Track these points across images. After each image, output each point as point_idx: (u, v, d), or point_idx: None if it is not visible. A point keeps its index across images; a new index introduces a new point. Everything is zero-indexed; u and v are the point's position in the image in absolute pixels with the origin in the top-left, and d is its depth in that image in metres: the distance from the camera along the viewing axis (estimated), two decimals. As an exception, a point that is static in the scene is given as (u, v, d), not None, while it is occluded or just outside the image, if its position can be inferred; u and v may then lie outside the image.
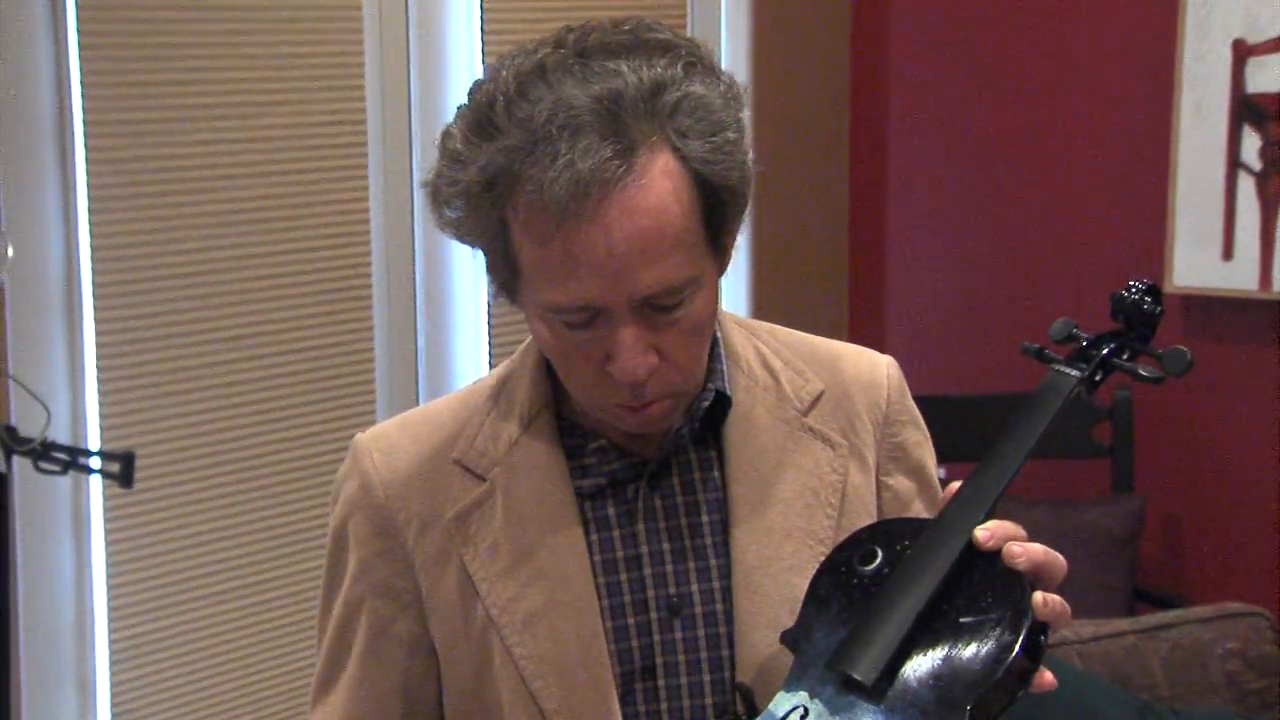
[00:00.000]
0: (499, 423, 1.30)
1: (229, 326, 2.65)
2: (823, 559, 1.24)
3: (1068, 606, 1.13)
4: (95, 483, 2.51)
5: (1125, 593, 2.93)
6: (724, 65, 1.21)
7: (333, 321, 2.80)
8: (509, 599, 1.25)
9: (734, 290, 3.33)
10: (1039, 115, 3.24)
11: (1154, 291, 1.32)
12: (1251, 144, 2.86)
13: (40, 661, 2.50)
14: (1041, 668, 1.13)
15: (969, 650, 1.11)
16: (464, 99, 1.18)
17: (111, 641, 2.57)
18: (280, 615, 2.76)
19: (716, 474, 1.30)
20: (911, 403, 1.38)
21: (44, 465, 2.07)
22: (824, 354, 1.37)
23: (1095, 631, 2.42)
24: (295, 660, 2.77)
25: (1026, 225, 3.29)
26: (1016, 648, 1.09)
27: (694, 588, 1.27)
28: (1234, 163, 2.89)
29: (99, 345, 2.52)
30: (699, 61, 1.16)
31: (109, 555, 2.56)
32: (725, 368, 1.31)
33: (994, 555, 1.14)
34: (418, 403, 2.86)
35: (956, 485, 1.21)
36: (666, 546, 1.28)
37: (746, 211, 1.21)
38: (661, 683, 1.26)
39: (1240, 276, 2.89)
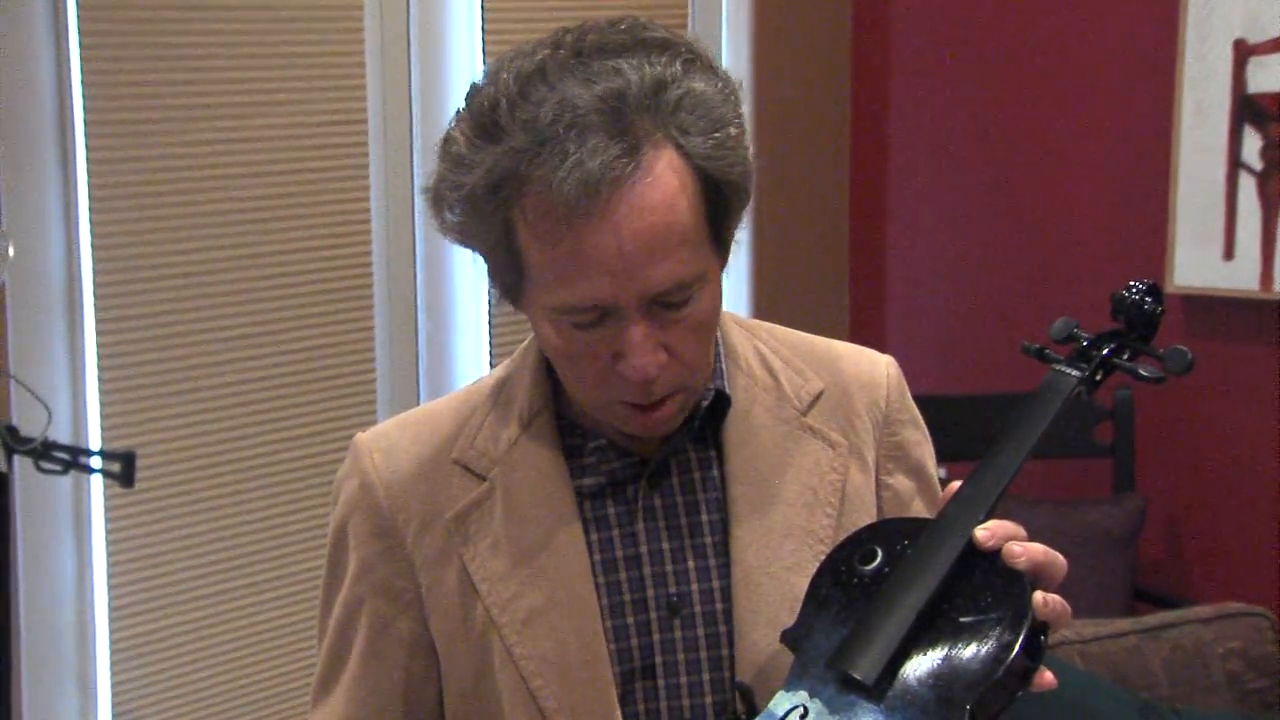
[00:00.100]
0: (499, 422, 1.30)
1: (230, 326, 2.65)
2: (822, 558, 1.23)
3: (1068, 606, 1.13)
4: (96, 482, 2.51)
5: (1126, 592, 2.93)
6: (724, 65, 1.22)
7: (333, 321, 2.80)
8: (509, 598, 1.25)
9: (734, 290, 3.33)
10: (1040, 115, 3.24)
11: (1154, 291, 1.32)
12: (1253, 144, 2.86)
13: (41, 661, 2.50)
14: (1042, 667, 1.13)
15: (969, 650, 1.11)
16: (463, 101, 1.18)
17: (112, 641, 2.57)
18: (281, 615, 2.76)
19: (716, 473, 1.30)
20: (911, 402, 1.38)
21: (45, 465, 2.07)
22: (823, 353, 1.37)
23: (1096, 631, 2.42)
24: (296, 660, 2.77)
25: (1027, 225, 3.29)
26: (1017, 647, 1.09)
27: (693, 587, 1.27)
28: (1235, 163, 2.89)
29: (100, 345, 2.52)
30: (697, 58, 1.17)
31: (110, 555, 2.56)
32: (725, 367, 1.31)
33: (994, 555, 1.14)
34: (418, 403, 2.86)
35: (956, 485, 1.21)
36: (666, 546, 1.28)
37: (748, 206, 1.21)
38: (661, 682, 1.26)
39: (1241, 276, 2.89)
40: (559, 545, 1.26)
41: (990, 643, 1.10)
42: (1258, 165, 2.86)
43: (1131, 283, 1.32)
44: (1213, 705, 2.39)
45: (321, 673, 1.35)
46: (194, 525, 2.64)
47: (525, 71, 1.14)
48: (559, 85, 1.12)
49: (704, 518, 1.29)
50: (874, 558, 1.19)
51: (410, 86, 2.85)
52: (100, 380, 2.52)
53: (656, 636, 1.26)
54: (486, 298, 2.91)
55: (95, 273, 2.51)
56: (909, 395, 1.38)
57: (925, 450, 1.38)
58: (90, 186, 2.49)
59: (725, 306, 1.29)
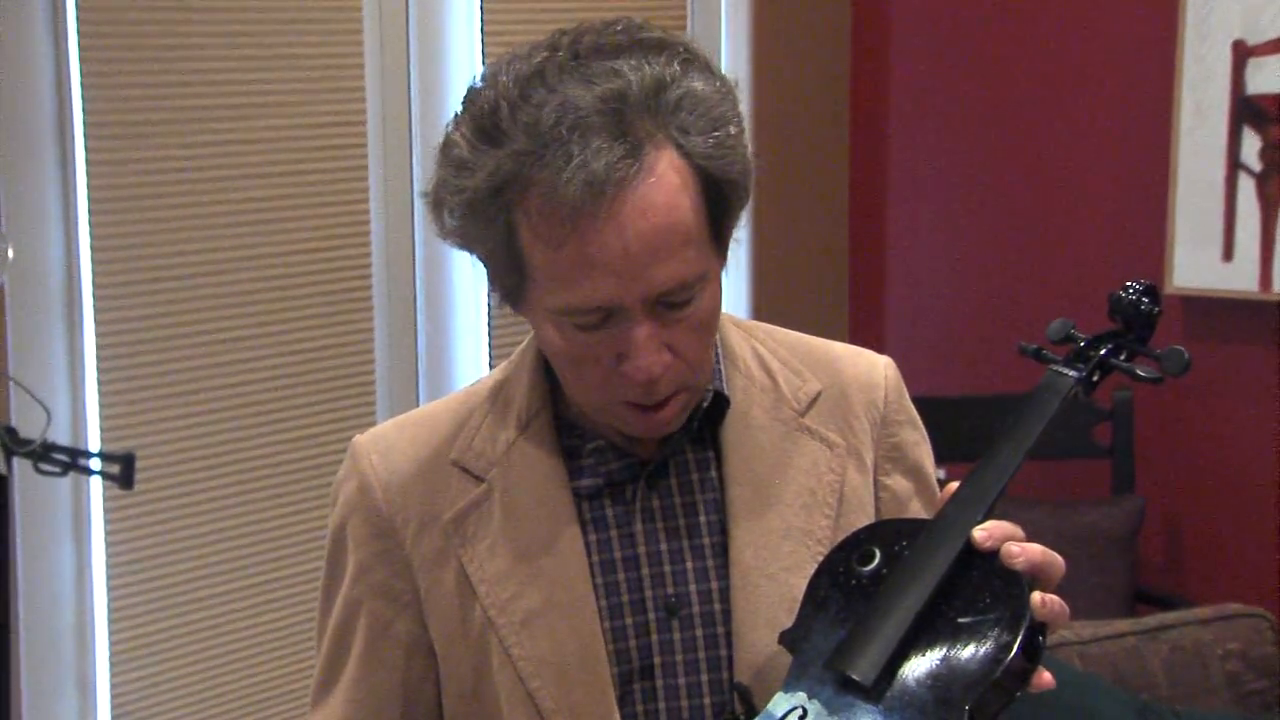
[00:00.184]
0: (497, 424, 1.30)
1: (229, 328, 2.65)
2: (820, 559, 1.24)
3: (1066, 607, 1.13)
4: (95, 484, 2.51)
5: (1125, 593, 2.93)
6: (724, 65, 1.22)
7: (333, 322, 2.80)
8: (507, 599, 1.25)
9: (734, 290, 3.33)
10: (1039, 116, 3.24)
11: (1151, 292, 1.32)
12: (1252, 145, 2.87)
13: (41, 663, 2.50)
14: (1040, 668, 1.13)
15: (967, 650, 1.11)
16: (460, 105, 1.18)
17: (112, 643, 2.57)
18: (280, 616, 2.76)
19: (714, 474, 1.30)
20: (909, 403, 1.38)
21: (44, 467, 2.07)
22: (821, 354, 1.37)
23: (1095, 632, 2.42)
24: (295, 661, 2.77)
25: (1027, 226, 3.29)
26: (1015, 648, 1.09)
27: (692, 588, 1.27)
28: (1234, 164, 2.89)
29: (99, 346, 2.52)
30: (695, 58, 1.17)
31: (109, 557, 2.56)
32: (723, 368, 1.31)
33: (992, 555, 1.14)
34: (418, 404, 2.86)
35: (955, 486, 1.21)
36: (664, 547, 1.28)
37: (747, 206, 1.22)
38: (659, 683, 1.26)
39: (1240, 277, 2.89)
40: (557, 546, 1.26)
41: (989, 643, 1.10)
42: (1257, 166, 2.86)
43: (1129, 283, 1.32)
44: (1212, 706, 2.39)
45: (320, 674, 1.35)
46: (193, 527, 2.64)
47: (524, 74, 1.14)
48: (559, 87, 1.12)
49: (702, 519, 1.29)
50: (872, 559, 1.19)
51: (410, 88, 2.85)
52: (99, 382, 2.52)
53: (655, 637, 1.26)
54: (486, 299, 2.91)
55: (95, 274, 2.51)
56: (907, 396, 1.38)
57: (923, 451, 1.38)
58: (90, 188, 2.49)
59: (725, 307, 1.29)
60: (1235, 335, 2.96)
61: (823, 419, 1.32)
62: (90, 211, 2.49)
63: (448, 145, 1.17)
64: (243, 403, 2.68)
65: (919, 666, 1.11)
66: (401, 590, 1.29)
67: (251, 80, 2.64)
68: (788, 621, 1.20)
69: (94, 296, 2.51)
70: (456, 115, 1.18)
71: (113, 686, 2.58)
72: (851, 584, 1.18)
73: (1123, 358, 1.31)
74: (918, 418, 1.39)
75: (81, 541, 2.54)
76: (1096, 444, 3.06)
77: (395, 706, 1.31)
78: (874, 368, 1.37)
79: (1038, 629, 1.12)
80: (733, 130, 1.17)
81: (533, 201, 1.13)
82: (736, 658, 1.26)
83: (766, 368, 1.33)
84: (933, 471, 1.39)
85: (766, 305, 3.36)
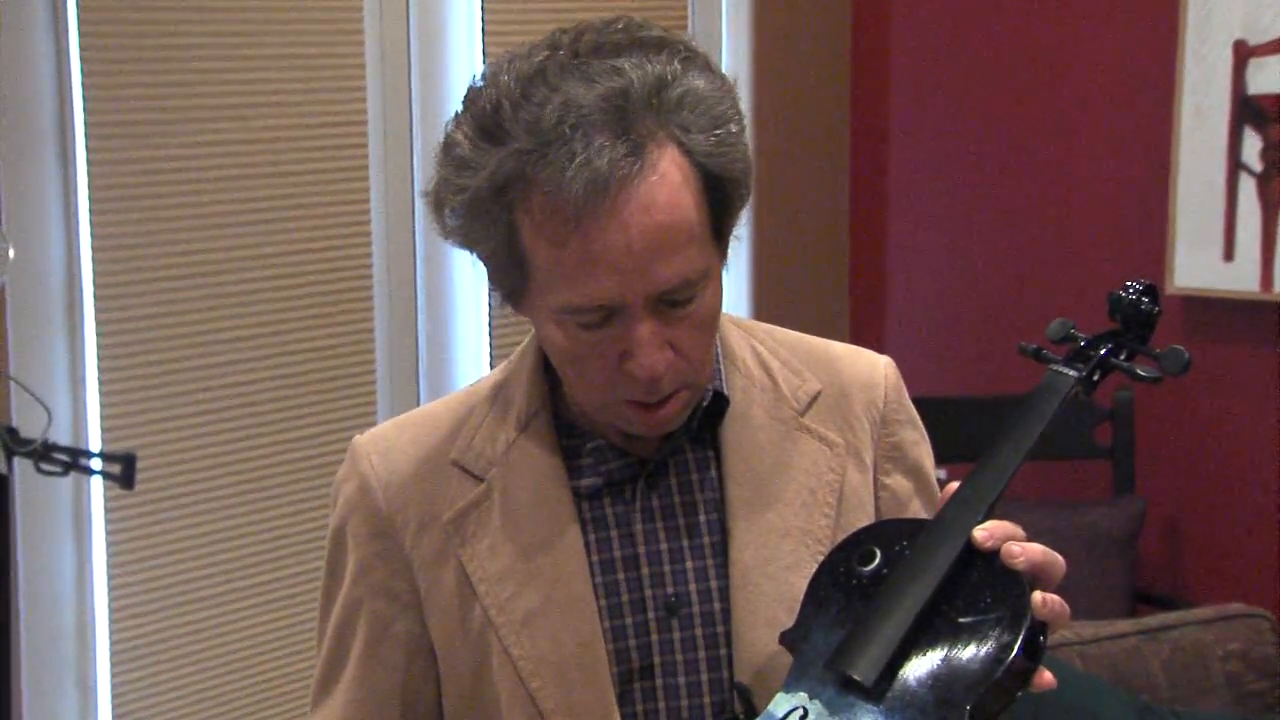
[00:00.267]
0: (496, 424, 1.30)
1: (230, 328, 2.65)
2: (820, 558, 1.24)
3: (1067, 606, 1.13)
4: (96, 484, 2.51)
5: (1126, 594, 2.93)
6: (724, 65, 1.23)
7: (333, 323, 2.80)
8: (507, 599, 1.25)
9: (734, 290, 3.33)
10: (1040, 116, 3.24)
11: (1151, 291, 1.32)
12: (1252, 145, 2.86)
13: (41, 663, 2.50)
14: (1041, 667, 1.13)
15: (968, 650, 1.11)
16: (461, 104, 1.18)
17: (112, 643, 2.57)
18: (281, 616, 2.76)
19: (714, 474, 1.30)
20: (909, 402, 1.38)
21: (45, 467, 2.07)
22: (821, 354, 1.37)
23: (1096, 633, 2.42)
24: (296, 662, 2.77)
25: (1027, 226, 3.29)
26: (1016, 648, 1.09)
27: (691, 587, 1.27)
28: (1235, 164, 2.89)
29: (100, 346, 2.52)
30: (694, 56, 1.17)
31: (110, 557, 2.56)
32: (722, 368, 1.31)
33: (993, 555, 1.14)
34: (418, 404, 2.86)
35: (955, 486, 1.21)
36: (664, 546, 1.28)
37: (748, 203, 1.22)
38: (659, 682, 1.26)
39: (1241, 278, 2.89)
40: (557, 546, 1.26)
41: (989, 643, 1.10)
42: (1258, 167, 2.86)
43: (1128, 283, 1.32)
44: (1212, 707, 2.39)
45: (321, 674, 1.35)
46: (194, 527, 2.64)
47: (525, 73, 1.14)
48: (561, 86, 1.12)
49: (702, 518, 1.29)
50: (872, 559, 1.19)
51: (410, 88, 2.85)
52: (100, 382, 2.52)
53: (654, 637, 1.26)
54: (486, 299, 2.91)
55: (95, 274, 2.51)
56: (906, 395, 1.39)
57: (923, 450, 1.38)
58: (90, 188, 2.49)
59: (725, 307, 1.29)
60: (1235, 335, 2.96)
61: (822, 418, 1.32)
62: (90, 211, 2.49)
63: (449, 144, 1.18)
64: (243, 402, 2.68)
65: (920, 666, 1.11)
66: (401, 590, 1.29)
67: (252, 80, 2.64)
68: (787, 621, 1.20)
69: (94, 296, 2.51)
70: (457, 114, 1.18)
71: (113, 686, 2.58)
72: (852, 584, 1.18)
73: (1123, 357, 1.31)
74: (917, 417, 1.39)
75: (81, 541, 2.54)
76: (1097, 444, 3.05)
77: (395, 706, 1.31)
78: (874, 367, 1.37)
79: (1039, 629, 1.12)
80: (733, 128, 1.17)
81: (535, 200, 1.13)
82: (736, 657, 1.26)
83: (766, 367, 1.33)
84: (932, 471, 1.39)
85: (766, 305, 3.36)
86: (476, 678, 1.27)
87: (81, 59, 2.46)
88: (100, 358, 2.52)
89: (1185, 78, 2.93)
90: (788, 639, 1.18)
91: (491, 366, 2.79)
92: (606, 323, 1.16)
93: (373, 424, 2.32)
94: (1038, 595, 1.12)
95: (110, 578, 2.56)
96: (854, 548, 1.21)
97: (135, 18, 2.51)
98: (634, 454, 1.28)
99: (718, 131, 1.16)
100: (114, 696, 2.58)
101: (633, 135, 1.11)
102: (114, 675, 2.58)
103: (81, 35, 2.45)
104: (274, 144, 2.68)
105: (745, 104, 1.21)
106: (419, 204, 2.81)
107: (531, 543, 1.26)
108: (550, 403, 1.30)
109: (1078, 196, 3.20)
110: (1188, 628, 2.44)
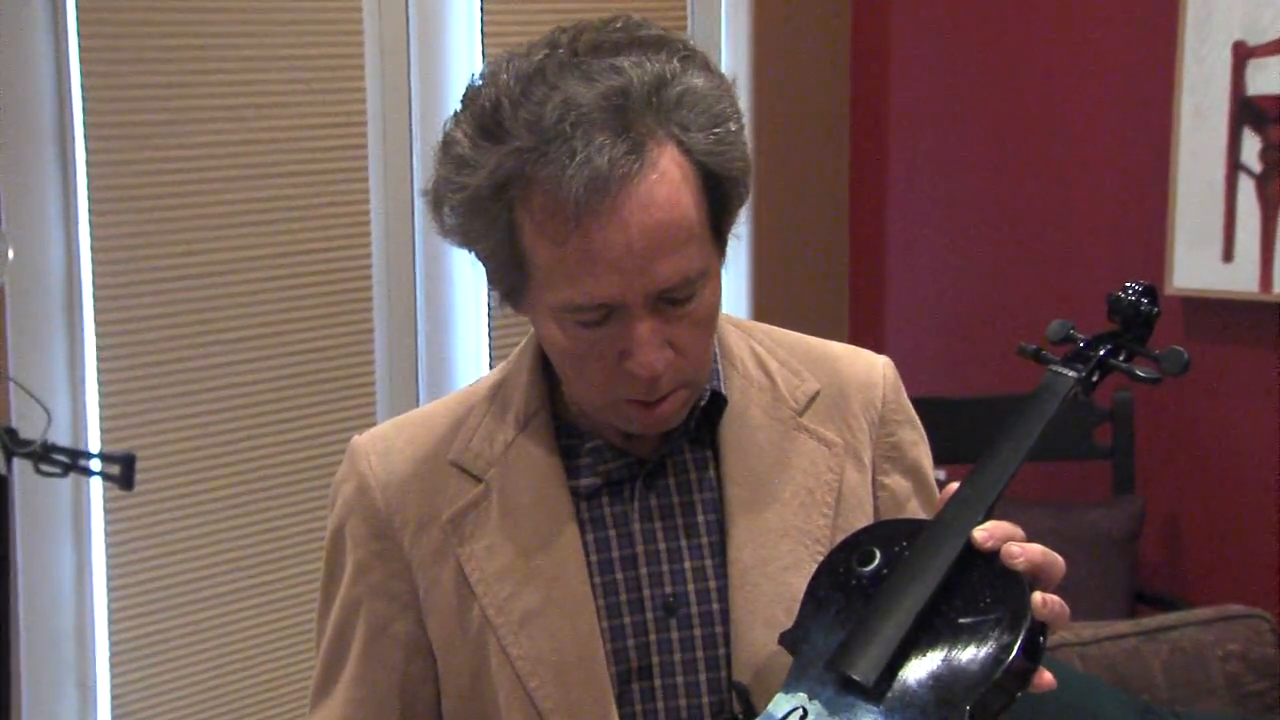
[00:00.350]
0: (495, 424, 1.30)
1: (229, 328, 2.65)
2: (819, 558, 1.24)
3: (1066, 607, 1.13)
4: (96, 485, 2.51)
5: (1126, 594, 2.93)
6: (724, 65, 1.23)
7: (333, 323, 2.80)
8: (505, 599, 1.25)
9: (734, 290, 3.33)
10: (1040, 117, 3.24)
11: (1151, 292, 1.32)
12: (1252, 146, 2.86)
13: (41, 663, 2.50)
14: (1041, 668, 1.13)
15: (968, 651, 1.11)
16: (460, 103, 1.18)
17: (112, 643, 2.57)
18: (281, 617, 2.76)
19: (712, 474, 1.30)
20: (907, 402, 1.38)
21: (44, 467, 2.07)
22: (820, 354, 1.37)
23: (1096, 633, 2.42)
24: (295, 662, 2.77)
25: (1027, 227, 3.29)
26: (1016, 648, 1.09)
27: (690, 587, 1.27)
28: (1234, 165, 2.89)
29: (99, 347, 2.52)
30: (693, 55, 1.18)
31: (109, 557, 2.56)
32: (720, 368, 1.31)
33: (993, 556, 1.14)
34: (418, 404, 2.86)
35: (955, 486, 1.21)
36: (662, 546, 1.28)
37: (746, 202, 1.22)
38: (658, 682, 1.26)
39: (1240, 278, 2.89)
40: (555, 545, 1.26)
41: (989, 644, 1.10)
42: (1257, 167, 2.86)
43: (1128, 283, 1.32)
44: (1212, 707, 2.39)
45: (320, 674, 1.35)
46: (193, 527, 2.64)
47: (525, 72, 1.14)
48: (560, 85, 1.12)
49: (700, 518, 1.29)
50: (872, 559, 1.19)
51: (410, 88, 2.85)
52: (100, 383, 2.52)
53: (653, 637, 1.26)
54: (486, 299, 2.91)
55: (95, 275, 2.51)
56: (905, 395, 1.39)
57: (922, 450, 1.38)
58: (90, 188, 2.49)
59: (725, 307, 1.29)
60: (1235, 336, 2.96)
61: (821, 418, 1.32)
62: (90, 211, 2.49)
63: (448, 143, 1.18)
64: (243, 403, 2.68)
65: (920, 667, 1.11)
66: (400, 590, 1.29)
67: (252, 80, 2.64)
68: (786, 621, 1.20)
69: (94, 296, 2.51)
70: (456, 113, 1.18)
71: (113, 686, 2.58)
72: (852, 584, 1.18)
73: (1122, 358, 1.31)
74: (916, 417, 1.39)
75: (81, 541, 2.54)
76: (1096, 445, 3.05)
77: (394, 706, 1.31)
78: (872, 367, 1.37)
79: (1038, 629, 1.12)
80: (733, 127, 1.17)
81: (535, 198, 1.13)
82: (735, 657, 1.26)
83: (764, 367, 1.33)
84: (931, 471, 1.39)
85: (766, 305, 3.36)
86: (475, 677, 1.27)
87: (81, 59, 2.46)
88: (100, 358, 2.52)
89: (1185, 78, 2.93)
90: (787, 639, 1.18)
91: (491, 366, 2.79)
92: (606, 321, 1.17)
93: (373, 424, 2.32)
94: (1037, 596, 1.12)
95: (110, 578, 2.56)
96: (853, 548, 1.21)
97: (135, 18, 2.51)
98: (632, 454, 1.28)
99: (717, 130, 1.16)
100: (114, 696, 2.58)
101: (633, 133, 1.12)
102: (114, 675, 2.58)
103: (81, 35, 2.45)
104: (274, 144, 2.68)
105: (745, 103, 1.22)
106: (419, 204, 2.81)
107: (530, 542, 1.26)
108: (549, 403, 1.30)
109: (1078, 196, 3.20)
110: (1187, 628, 2.44)
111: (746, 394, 1.31)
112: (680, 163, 1.14)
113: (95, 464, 2.10)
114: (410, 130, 2.85)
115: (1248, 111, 2.86)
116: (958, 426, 2.49)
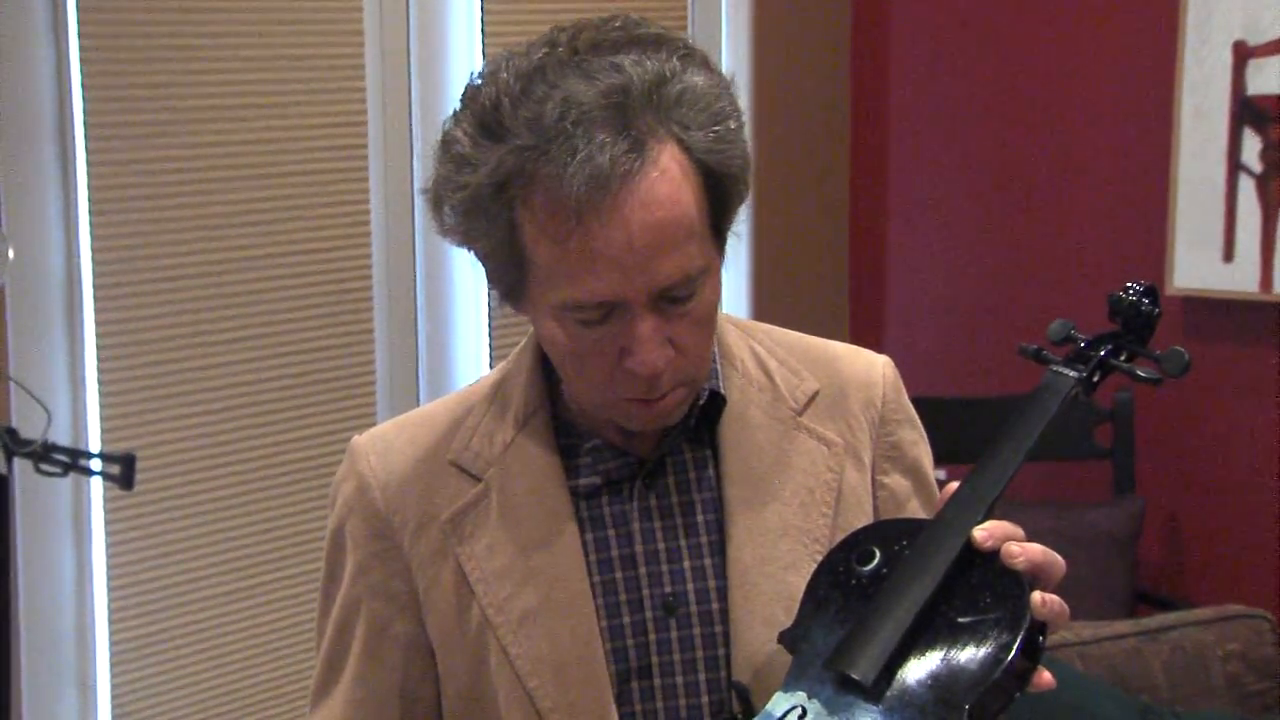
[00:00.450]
0: (494, 423, 1.30)
1: (230, 328, 2.65)
2: (818, 558, 1.24)
3: (1066, 607, 1.13)
4: (96, 485, 2.51)
5: (1126, 595, 2.93)
6: (724, 64, 1.23)
7: (333, 323, 2.80)
8: (504, 598, 1.25)
9: (734, 289, 3.33)
10: (1040, 117, 3.24)
11: (1151, 293, 1.32)
12: (1252, 146, 2.86)
13: (41, 663, 2.50)
14: (1040, 668, 1.13)
15: (968, 651, 1.11)
16: (459, 102, 1.18)
17: (112, 643, 2.57)
18: (281, 617, 2.76)
19: (711, 473, 1.30)
20: (907, 402, 1.38)
21: (44, 467, 2.07)
22: (820, 354, 1.37)
23: (1096, 633, 2.42)
24: (295, 662, 2.77)
25: (1027, 227, 3.29)
26: (1015, 648, 1.09)
27: (689, 587, 1.27)
28: (1235, 165, 2.89)
29: (100, 347, 2.52)
30: (693, 54, 1.18)
31: (110, 557, 2.56)
32: (720, 367, 1.31)
33: (992, 556, 1.14)
34: (418, 404, 2.86)
35: (955, 486, 1.21)
36: (662, 545, 1.28)
37: (746, 200, 1.22)
38: (657, 682, 1.26)
39: (1241, 278, 2.89)
40: (555, 545, 1.26)
41: (989, 643, 1.10)
42: (1257, 167, 2.86)
43: (1129, 284, 1.32)
44: (1212, 708, 2.39)
45: (320, 674, 1.35)
46: (194, 527, 2.64)
47: (525, 70, 1.14)
48: (560, 83, 1.12)
49: (700, 517, 1.29)
50: (872, 558, 1.19)
51: (410, 88, 2.85)
52: (100, 382, 2.52)
53: (652, 636, 1.26)
54: (486, 298, 2.91)
55: (95, 275, 2.51)
56: (905, 395, 1.38)
57: (922, 450, 1.38)
58: (90, 189, 2.49)
59: (725, 306, 1.29)
60: (1235, 336, 2.96)
61: (820, 418, 1.32)
62: (90, 211, 2.49)
63: (448, 142, 1.17)
64: (243, 403, 2.68)
65: (919, 666, 1.11)
66: (400, 590, 1.29)
67: (252, 80, 2.64)
68: (785, 620, 1.20)
69: (94, 296, 2.51)
70: (456, 112, 1.18)
71: (113, 686, 2.58)
72: (851, 584, 1.18)
73: (1123, 358, 1.31)
74: (916, 417, 1.39)
75: (81, 541, 2.54)
76: (1097, 445, 3.05)
77: (394, 706, 1.31)
78: (872, 367, 1.37)
79: (1038, 629, 1.12)
80: (732, 125, 1.18)
81: (536, 197, 1.13)
82: (734, 656, 1.25)
83: (764, 367, 1.33)
84: (931, 471, 1.39)
85: (766, 305, 3.36)
86: (475, 677, 1.27)
87: (81, 59, 2.46)
88: (100, 358, 2.52)
89: (1185, 78, 2.93)
90: (786, 638, 1.18)
91: (491, 366, 2.79)
92: (606, 319, 1.17)
93: (373, 424, 2.32)
94: (1037, 595, 1.12)
95: (110, 578, 2.56)
96: (853, 547, 1.21)
97: (135, 18, 2.51)
98: (632, 453, 1.28)
99: (717, 128, 1.16)
100: (114, 696, 2.58)
101: (633, 131, 1.12)
102: (114, 675, 2.58)
103: (81, 35, 2.45)
104: (274, 144, 2.68)
105: (745, 103, 1.22)
106: (419, 204, 2.81)
107: (529, 542, 1.26)
108: (548, 402, 1.30)
109: (1078, 197, 3.20)
110: (1187, 628, 2.44)
111: (746, 393, 1.31)
112: (680, 161, 1.14)
113: (95, 464, 2.10)
114: (410, 130, 2.85)
115: (1248, 111, 2.86)
116: (958, 426, 2.49)
